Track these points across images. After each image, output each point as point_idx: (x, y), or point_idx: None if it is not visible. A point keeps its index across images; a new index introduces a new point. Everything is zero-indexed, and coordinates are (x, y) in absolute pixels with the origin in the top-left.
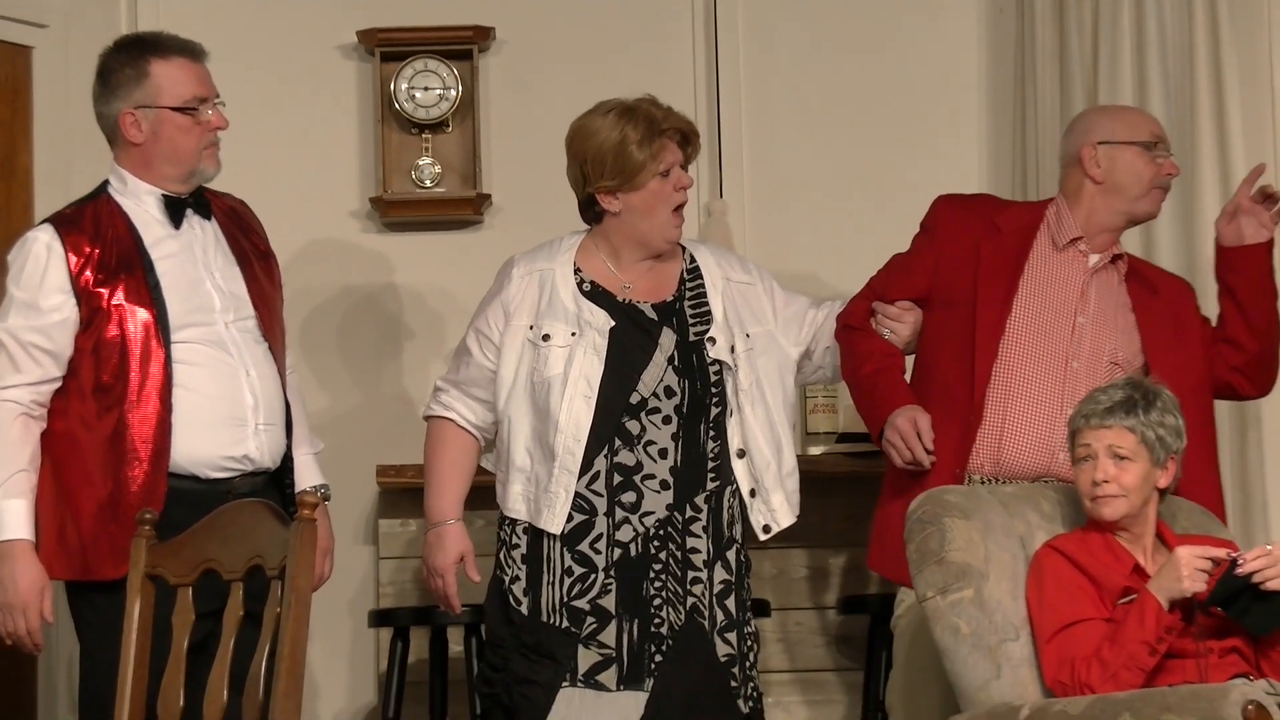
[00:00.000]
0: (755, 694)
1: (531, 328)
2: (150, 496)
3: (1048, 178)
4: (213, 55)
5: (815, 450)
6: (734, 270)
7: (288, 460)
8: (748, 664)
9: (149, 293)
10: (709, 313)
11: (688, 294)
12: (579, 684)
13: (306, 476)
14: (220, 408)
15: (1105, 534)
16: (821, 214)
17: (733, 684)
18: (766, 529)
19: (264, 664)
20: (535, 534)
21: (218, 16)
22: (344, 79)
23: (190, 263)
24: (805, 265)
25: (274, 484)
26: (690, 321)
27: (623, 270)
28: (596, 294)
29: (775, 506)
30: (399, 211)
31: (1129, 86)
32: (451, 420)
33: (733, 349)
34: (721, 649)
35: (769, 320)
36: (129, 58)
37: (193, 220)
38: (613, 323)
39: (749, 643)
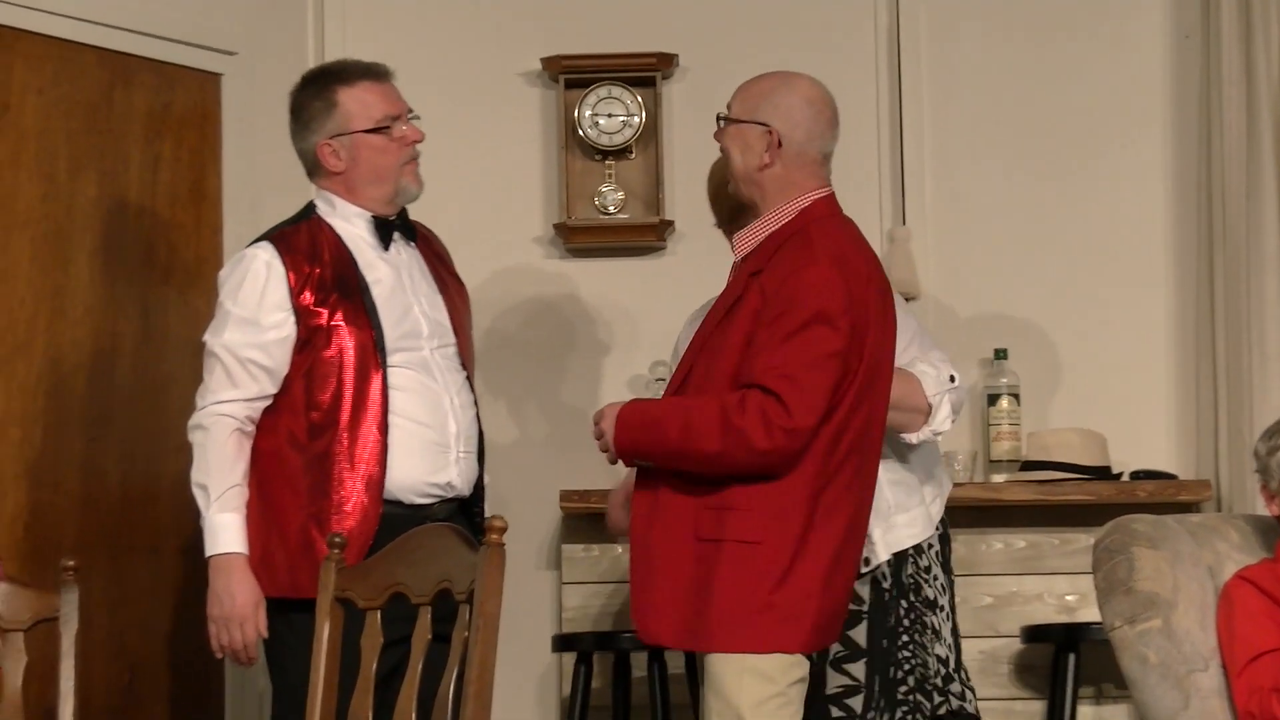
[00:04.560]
0: (914, 718)
1: None
2: (365, 520)
3: (1234, 204)
4: (398, 82)
5: (998, 478)
6: None
7: (478, 488)
8: (901, 689)
9: (366, 315)
10: None
11: None
12: None
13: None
14: (427, 434)
15: None
16: (1003, 241)
17: (836, 714)
18: (867, 560)
19: (452, 688)
20: None
21: (404, 43)
22: (528, 105)
23: (399, 287)
24: (986, 293)
25: (463, 510)
26: None
27: None
28: None
29: (875, 541)
30: (582, 237)
31: None
32: None
33: None
34: (834, 680)
35: None
36: (316, 90)
37: (399, 244)
38: None
39: (902, 670)
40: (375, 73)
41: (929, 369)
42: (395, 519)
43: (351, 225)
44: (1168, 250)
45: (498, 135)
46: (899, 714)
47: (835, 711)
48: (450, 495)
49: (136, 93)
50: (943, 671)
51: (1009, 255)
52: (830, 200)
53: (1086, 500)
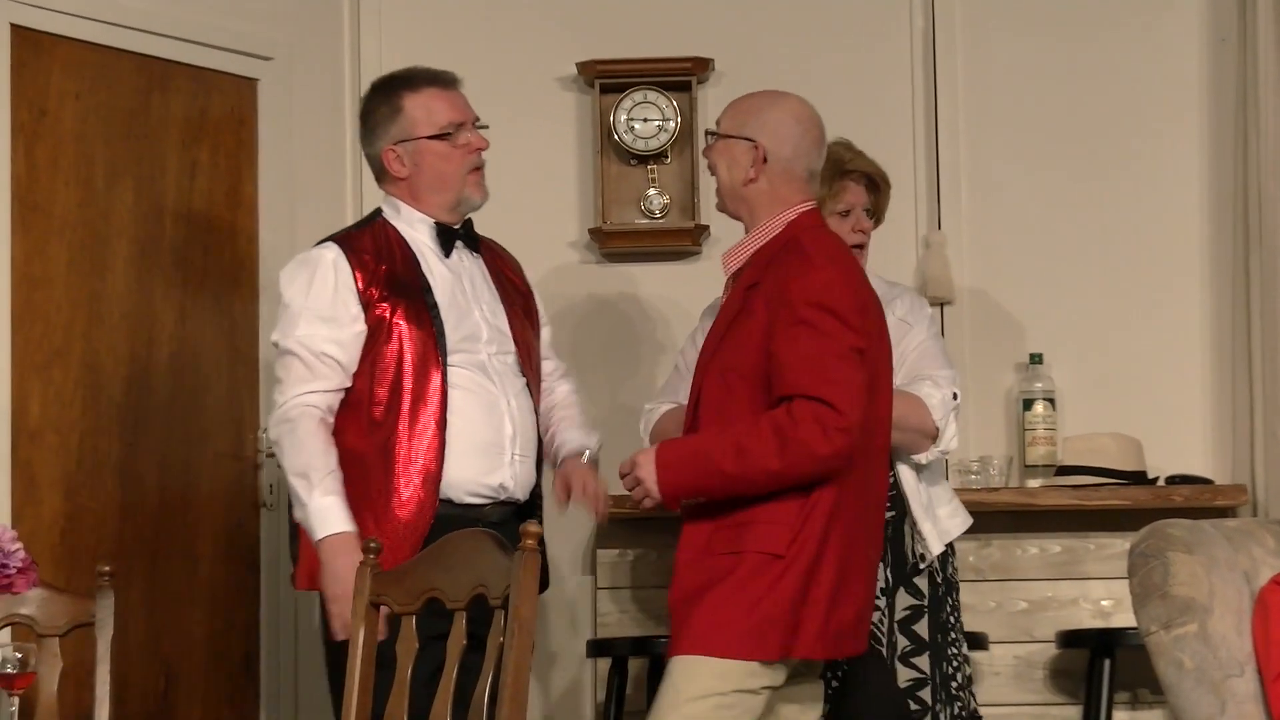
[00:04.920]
0: (963, 715)
1: None
2: (421, 515)
3: (1270, 209)
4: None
5: (1033, 483)
6: (899, 307)
7: (535, 496)
8: (954, 685)
9: (428, 313)
10: None
11: None
12: None
13: (578, 439)
14: (482, 434)
15: None
16: (1038, 246)
17: (914, 707)
18: (922, 557)
19: (487, 692)
20: None
21: (439, 49)
22: (564, 110)
23: (460, 292)
24: (1021, 297)
25: (518, 518)
26: None
27: None
28: None
29: (926, 535)
30: (618, 242)
31: None
32: None
33: None
34: (904, 674)
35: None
36: (383, 97)
37: (462, 251)
38: None
39: (952, 665)
40: (442, 80)
41: (934, 390)
42: (446, 518)
43: (415, 230)
44: (1203, 255)
45: (533, 140)
46: (955, 709)
47: (912, 705)
48: (503, 498)
49: (173, 98)
50: (969, 671)
51: (1044, 260)
52: (816, 213)
53: (1122, 505)
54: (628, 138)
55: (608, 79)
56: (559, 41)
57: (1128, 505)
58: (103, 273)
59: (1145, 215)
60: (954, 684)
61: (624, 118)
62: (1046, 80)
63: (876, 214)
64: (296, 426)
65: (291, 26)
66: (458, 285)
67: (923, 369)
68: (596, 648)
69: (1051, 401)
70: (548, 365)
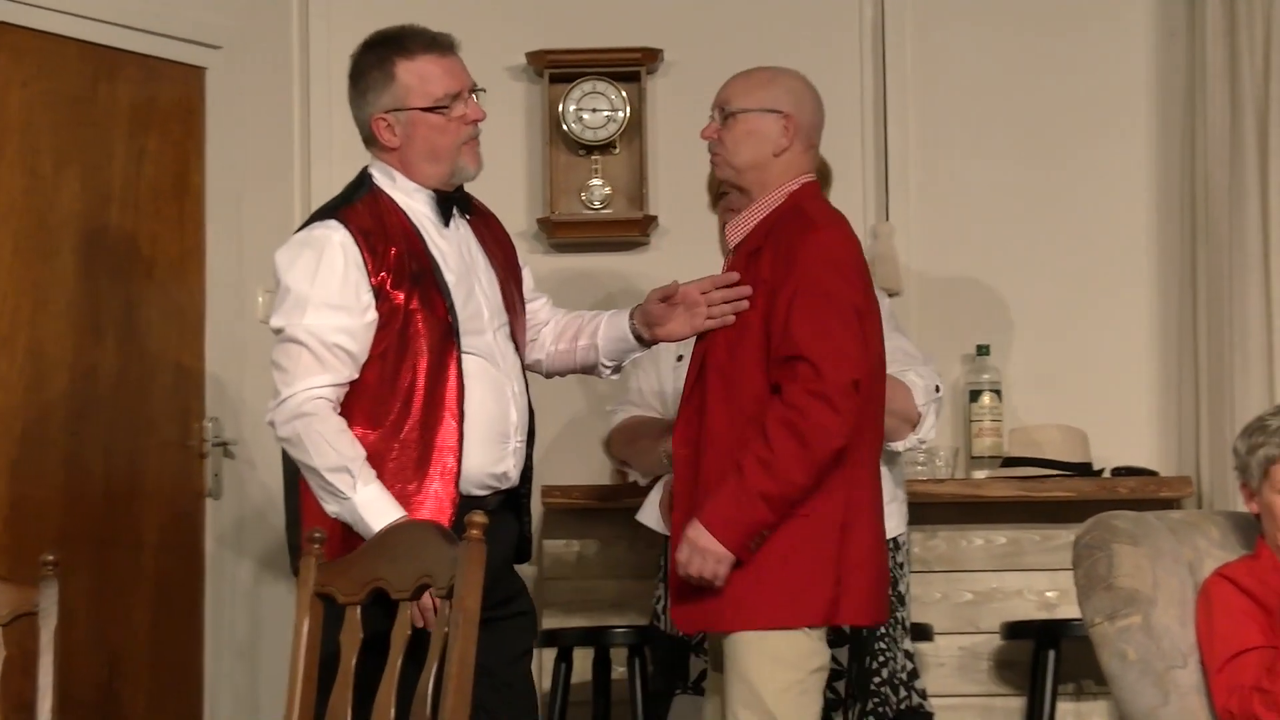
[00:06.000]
0: (881, 711)
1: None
2: (441, 511)
3: (1217, 202)
4: None
5: (979, 474)
6: None
7: (527, 470)
8: (875, 680)
9: (440, 297)
10: None
11: None
12: (689, 691)
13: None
14: (492, 423)
15: (1276, 560)
16: (986, 238)
17: (828, 695)
18: None
19: (431, 682)
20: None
21: None
22: (513, 100)
23: (463, 266)
24: (968, 288)
25: (509, 503)
26: None
27: None
28: None
29: None
30: (566, 233)
31: None
32: None
33: None
34: None
35: None
36: (376, 59)
37: (457, 220)
38: None
39: (876, 661)
40: (439, 45)
41: (917, 379)
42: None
43: (413, 200)
44: (1151, 247)
45: (483, 129)
46: (870, 704)
47: (827, 693)
48: (504, 487)
49: (121, 86)
50: (909, 666)
51: (992, 251)
52: (816, 185)
53: (1068, 496)
54: (576, 128)
55: (557, 69)
56: (508, 31)
57: (1073, 497)
58: (49, 260)
59: (1093, 207)
60: (875, 680)
61: (573, 108)
62: (995, 72)
63: None
64: (315, 420)
65: (240, 15)
66: (460, 259)
67: (899, 364)
68: (543, 638)
69: (998, 393)
70: (536, 304)
